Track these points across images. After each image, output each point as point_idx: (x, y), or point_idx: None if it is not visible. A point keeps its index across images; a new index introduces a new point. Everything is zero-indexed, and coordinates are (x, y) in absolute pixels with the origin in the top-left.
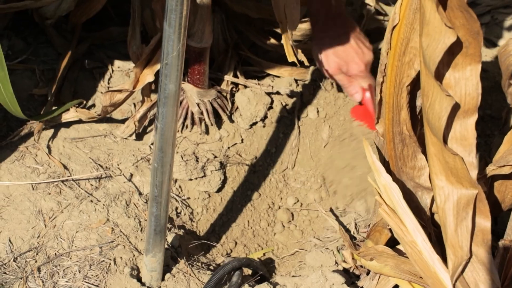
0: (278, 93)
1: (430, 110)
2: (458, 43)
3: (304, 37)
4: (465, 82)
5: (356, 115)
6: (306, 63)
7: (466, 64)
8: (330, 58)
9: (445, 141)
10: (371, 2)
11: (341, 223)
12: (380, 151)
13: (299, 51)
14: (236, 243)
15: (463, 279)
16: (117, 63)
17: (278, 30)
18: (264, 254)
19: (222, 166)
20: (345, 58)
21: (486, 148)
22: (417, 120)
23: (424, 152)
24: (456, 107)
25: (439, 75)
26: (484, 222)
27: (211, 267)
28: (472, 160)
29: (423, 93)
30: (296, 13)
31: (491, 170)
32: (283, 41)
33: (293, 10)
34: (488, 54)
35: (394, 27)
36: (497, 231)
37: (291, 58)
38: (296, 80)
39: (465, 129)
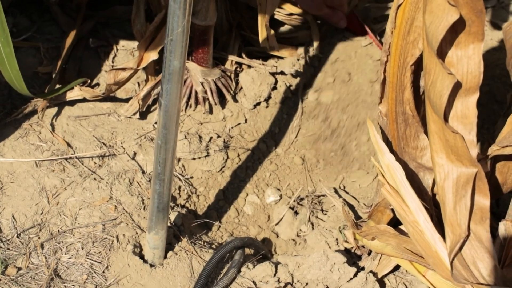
0: (282, 73)
1: (432, 88)
2: (461, 21)
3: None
4: (468, 60)
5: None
6: (276, 47)
7: (469, 42)
8: None
9: (446, 119)
10: None
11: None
12: (383, 131)
13: (272, 34)
14: (238, 222)
15: (461, 257)
16: (122, 42)
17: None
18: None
19: (226, 145)
20: None
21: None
22: (420, 100)
23: (426, 132)
24: (457, 85)
25: (442, 53)
26: (483, 201)
27: (213, 246)
28: (473, 138)
29: (425, 71)
30: None
31: (493, 150)
32: (259, 23)
33: None
34: (493, 38)
35: (399, 6)
36: (499, 214)
37: (263, 42)
38: (299, 61)
39: (466, 107)
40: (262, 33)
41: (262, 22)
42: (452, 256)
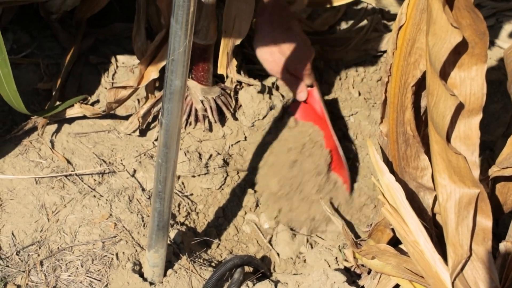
0: (275, 90)
1: (435, 109)
2: (464, 43)
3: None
4: (471, 82)
5: (296, 111)
6: (234, 78)
7: (472, 64)
8: (276, 57)
9: (448, 140)
10: (372, 2)
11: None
12: (383, 151)
13: (234, 63)
14: (237, 240)
15: (463, 277)
16: (122, 59)
17: None
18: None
19: (225, 163)
20: (291, 57)
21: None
22: (421, 120)
23: (427, 152)
24: (460, 107)
25: (445, 74)
26: (485, 221)
27: (213, 264)
28: (475, 159)
29: (428, 92)
30: (246, 25)
31: (494, 171)
32: (220, 49)
33: (243, 21)
34: (492, 57)
35: (400, 27)
36: (499, 234)
37: (221, 69)
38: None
39: (469, 128)
40: (222, 61)
41: (224, 49)
42: (454, 276)
